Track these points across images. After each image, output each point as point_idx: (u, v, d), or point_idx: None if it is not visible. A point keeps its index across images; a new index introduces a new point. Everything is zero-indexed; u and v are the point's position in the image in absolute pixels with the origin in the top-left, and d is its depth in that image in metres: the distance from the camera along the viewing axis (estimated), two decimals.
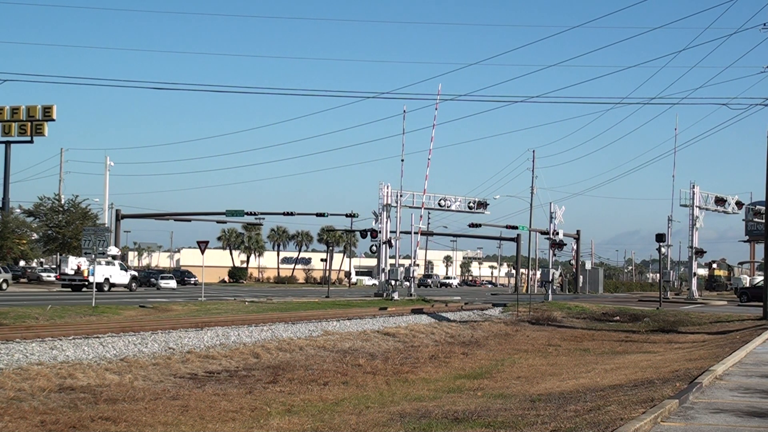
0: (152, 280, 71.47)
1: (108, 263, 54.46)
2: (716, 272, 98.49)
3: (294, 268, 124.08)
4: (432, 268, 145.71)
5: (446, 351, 25.22)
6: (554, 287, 64.95)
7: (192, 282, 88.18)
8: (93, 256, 35.64)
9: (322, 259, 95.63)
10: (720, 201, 63.01)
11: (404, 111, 56.84)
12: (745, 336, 26.56)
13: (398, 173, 57.55)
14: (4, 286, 37.71)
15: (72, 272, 55.07)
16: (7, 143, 71.88)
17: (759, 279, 63.18)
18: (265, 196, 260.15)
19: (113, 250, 59.26)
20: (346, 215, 79.36)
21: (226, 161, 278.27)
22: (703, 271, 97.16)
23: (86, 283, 50.46)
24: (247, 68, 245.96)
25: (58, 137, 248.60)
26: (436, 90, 67.24)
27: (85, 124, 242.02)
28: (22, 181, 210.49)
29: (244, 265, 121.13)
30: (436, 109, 57.29)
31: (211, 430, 12.20)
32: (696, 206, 59.80)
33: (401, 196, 57.54)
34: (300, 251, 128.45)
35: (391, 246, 56.62)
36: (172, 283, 69.73)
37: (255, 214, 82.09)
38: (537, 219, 78.47)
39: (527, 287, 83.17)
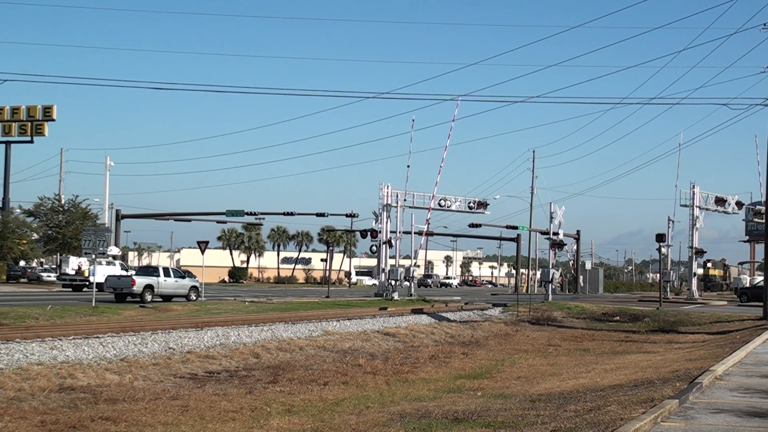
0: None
1: (108, 263, 54.34)
2: (711, 271, 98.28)
3: (294, 268, 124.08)
4: (432, 268, 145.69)
5: (446, 351, 25.21)
6: (554, 287, 64.99)
7: None
8: (93, 256, 35.64)
9: (322, 259, 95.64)
10: (720, 201, 62.99)
11: (413, 120, 57.11)
12: (745, 336, 26.56)
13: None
14: (193, 296, 34.72)
15: (72, 272, 55.04)
16: (7, 143, 71.93)
17: (759, 279, 63.15)
18: (265, 196, 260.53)
19: (113, 250, 59.20)
20: (346, 215, 79.33)
21: (227, 161, 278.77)
22: (701, 271, 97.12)
23: (87, 283, 50.40)
24: (247, 68, 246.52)
25: (58, 137, 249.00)
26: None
27: (85, 124, 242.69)
28: (22, 181, 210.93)
29: (244, 265, 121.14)
30: (453, 120, 56.98)
31: (211, 430, 12.20)
32: (696, 206, 59.79)
33: (405, 200, 57.63)
34: (300, 251, 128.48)
35: (391, 246, 56.62)
36: None
37: (255, 214, 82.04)
38: (537, 219, 78.34)
39: (527, 287, 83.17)
